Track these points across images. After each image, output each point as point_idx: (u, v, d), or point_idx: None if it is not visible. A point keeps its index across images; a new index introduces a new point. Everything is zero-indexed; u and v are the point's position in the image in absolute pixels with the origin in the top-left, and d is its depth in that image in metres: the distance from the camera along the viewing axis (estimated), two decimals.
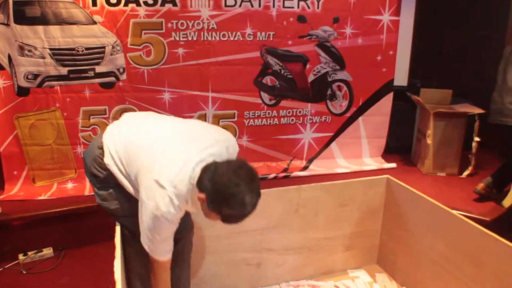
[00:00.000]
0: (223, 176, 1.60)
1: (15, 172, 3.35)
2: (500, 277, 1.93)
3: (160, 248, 1.78)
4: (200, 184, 1.65)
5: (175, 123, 1.95)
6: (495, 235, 1.95)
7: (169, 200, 1.65)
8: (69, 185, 3.44)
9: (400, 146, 4.50)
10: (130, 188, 1.86)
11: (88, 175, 1.99)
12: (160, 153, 1.73)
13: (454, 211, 2.22)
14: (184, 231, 2.11)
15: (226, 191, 1.58)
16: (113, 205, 1.95)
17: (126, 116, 2.05)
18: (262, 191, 2.32)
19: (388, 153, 4.37)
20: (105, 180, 1.92)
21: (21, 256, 2.86)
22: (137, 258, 2.00)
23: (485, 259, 2.01)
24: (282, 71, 3.74)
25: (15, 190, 3.30)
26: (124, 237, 1.99)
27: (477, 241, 2.04)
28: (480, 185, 3.33)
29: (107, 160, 1.86)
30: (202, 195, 1.64)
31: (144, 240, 1.76)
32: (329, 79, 3.87)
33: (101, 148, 1.89)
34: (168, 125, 1.94)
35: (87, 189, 3.38)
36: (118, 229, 1.94)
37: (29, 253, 2.89)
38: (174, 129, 1.90)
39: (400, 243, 2.61)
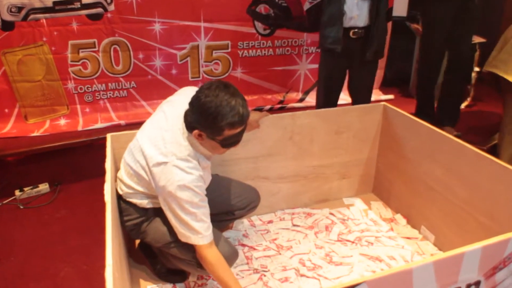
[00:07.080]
0: (201, 99, 1.56)
1: (6, 110, 3.30)
2: (494, 198, 1.92)
3: (200, 227, 1.67)
4: (189, 125, 1.64)
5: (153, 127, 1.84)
6: (490, 157, 1.93)
7: (179, 168, 1.63)
8: (62, 122, 3.40)
9: (399, 78, 4.43)
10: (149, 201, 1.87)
11: (128, 230, 1.96)
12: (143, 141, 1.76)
13: (450, 136, 2.19)
14: None
15: (211, 106, 1.54)
16: (159, 232, 1.89)
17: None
18: None
19: (386, 85, 4.31)
20: (143, 216, 1.90)
21: (17, 192, 2.87)
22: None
23: (480, 181, 1.99)
24: None
25: (7, 128, 3.27)
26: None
27: (472, 164, 2.02)
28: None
29: (127, 196, 1.87)
30: (196, 131, 1.61)
31: (182, 233, 1.69)
32: None
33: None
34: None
35: (80, 124, 3.36)
36: (108, 154, 1.90)
37: (25, 188, 2.89)
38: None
39: (396, 170, 2.59)
